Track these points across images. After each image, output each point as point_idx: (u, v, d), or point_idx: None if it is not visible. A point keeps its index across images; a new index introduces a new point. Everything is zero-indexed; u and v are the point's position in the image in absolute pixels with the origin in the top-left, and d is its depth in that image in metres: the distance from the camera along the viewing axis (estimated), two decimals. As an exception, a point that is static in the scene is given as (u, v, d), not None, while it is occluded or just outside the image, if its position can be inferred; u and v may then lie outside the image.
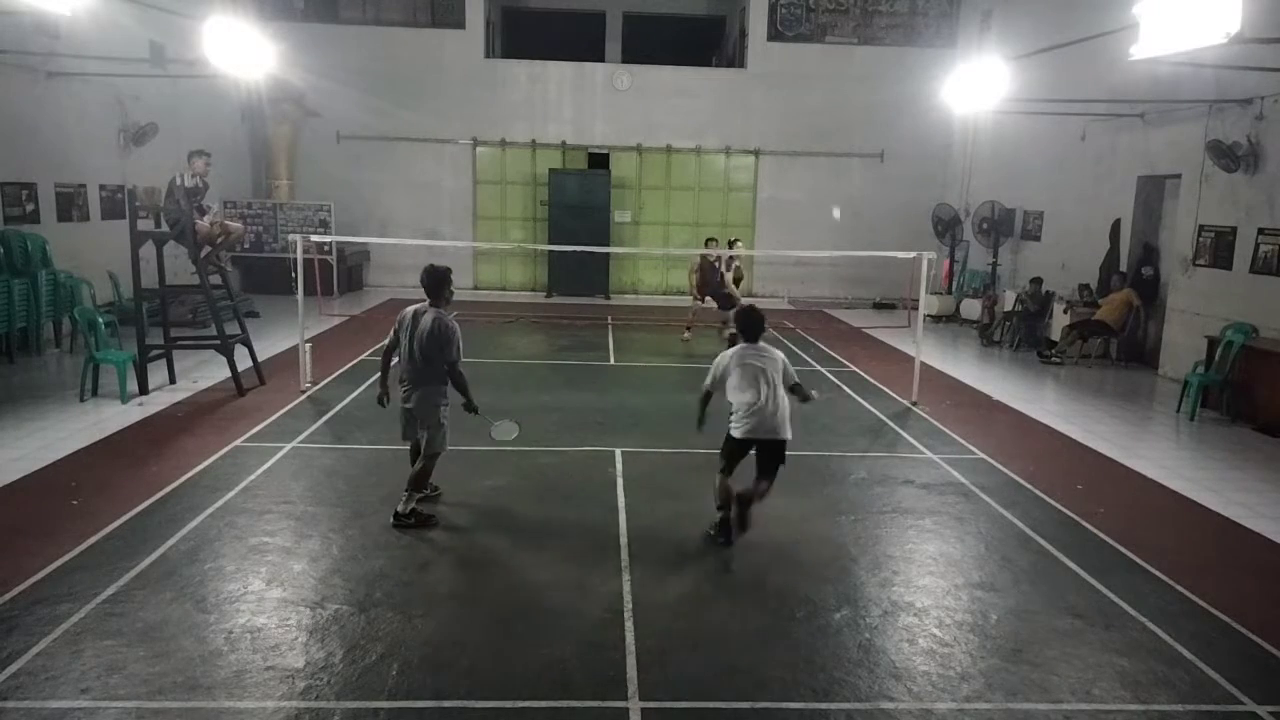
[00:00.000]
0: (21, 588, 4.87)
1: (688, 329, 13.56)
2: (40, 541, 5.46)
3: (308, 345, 9.86)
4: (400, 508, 5.91)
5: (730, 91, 19.01)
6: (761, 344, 5.80)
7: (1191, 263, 11.42)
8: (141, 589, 4.92)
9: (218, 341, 9.33)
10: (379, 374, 6.20)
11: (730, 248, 13.41)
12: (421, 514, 5.96)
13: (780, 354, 5.81)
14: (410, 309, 5.92)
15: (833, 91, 18.55)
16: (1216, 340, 10.23)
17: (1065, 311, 13.25)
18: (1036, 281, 14.18)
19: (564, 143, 18.87)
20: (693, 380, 11.34)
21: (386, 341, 6.05)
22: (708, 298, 13.19)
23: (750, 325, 5.82)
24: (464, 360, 5.92)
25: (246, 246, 16.46)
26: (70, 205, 12.37)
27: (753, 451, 5.76)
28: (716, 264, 12.96)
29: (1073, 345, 12.73)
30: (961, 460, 7.86)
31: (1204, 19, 6.45)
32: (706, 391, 5.83)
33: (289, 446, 7.61)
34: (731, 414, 5.75)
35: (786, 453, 5.78)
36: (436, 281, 5.88)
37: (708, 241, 13.49)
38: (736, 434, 5.69)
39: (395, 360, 6.05)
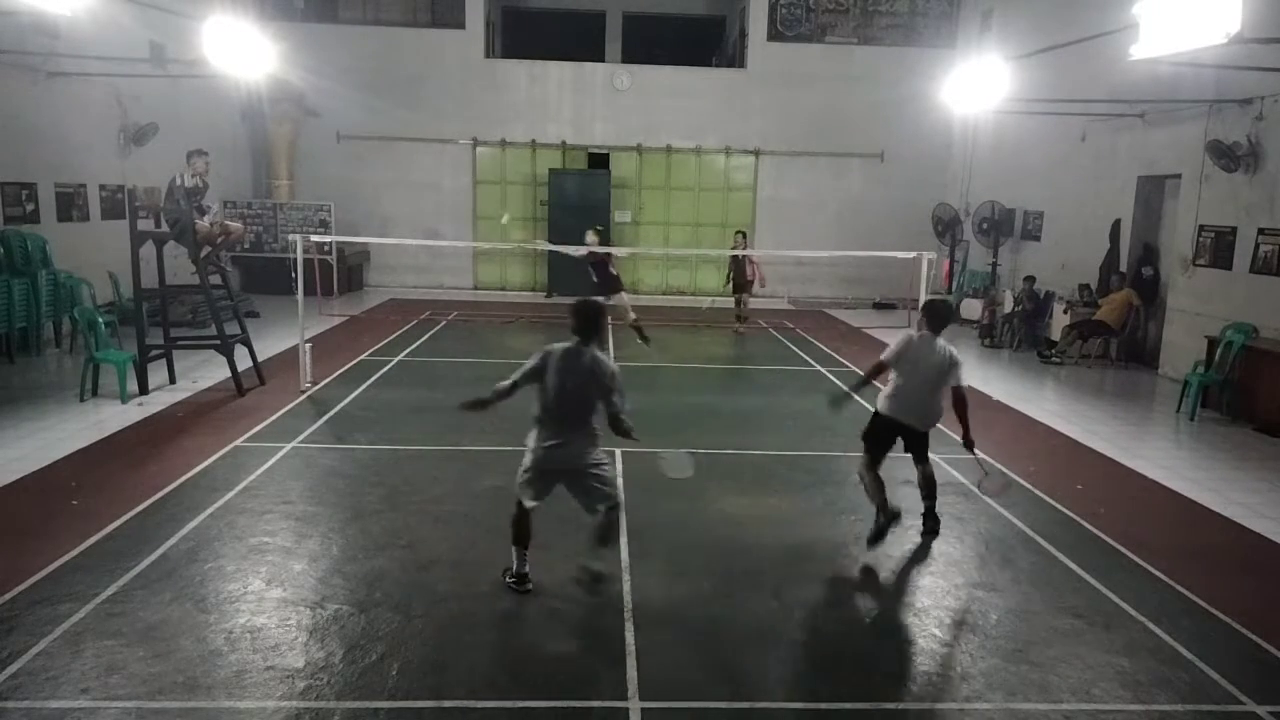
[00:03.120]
0: (21, 588, 4.87)
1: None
2: (40, 541, 5.46)
3: (308, 345, 9.85)
4: (597, 566, 5.06)
5: (730, 91, 19.01)
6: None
7: (1191, 263, 11.41)
8: (141, 589, 4.92)
9: (218, 341, 9.34)
10: (492, 397, 4.92)
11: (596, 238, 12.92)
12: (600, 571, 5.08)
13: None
14: (558, 346, 4.92)
15: (833, 91, 18.54)
16: (1216, 340, 10.24)
17: (1065, 311, 13.25)
18: (1029, 280, 14.22)
19: (564, 143, 18.87)
20: (691, 379, 11.48)
21: (514, 377, 4.90)
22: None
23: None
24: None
25: (246, 246, 16.47)
26: (70, 205, 12.37)
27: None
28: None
29: (1073, 345, 12.74)
30: (961, 460, 7.82)
31: (1204, 19, 6.47)
32: None
33: (289, 446, 7.61)
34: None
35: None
36: (590, 317, 4.99)
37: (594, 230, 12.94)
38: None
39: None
